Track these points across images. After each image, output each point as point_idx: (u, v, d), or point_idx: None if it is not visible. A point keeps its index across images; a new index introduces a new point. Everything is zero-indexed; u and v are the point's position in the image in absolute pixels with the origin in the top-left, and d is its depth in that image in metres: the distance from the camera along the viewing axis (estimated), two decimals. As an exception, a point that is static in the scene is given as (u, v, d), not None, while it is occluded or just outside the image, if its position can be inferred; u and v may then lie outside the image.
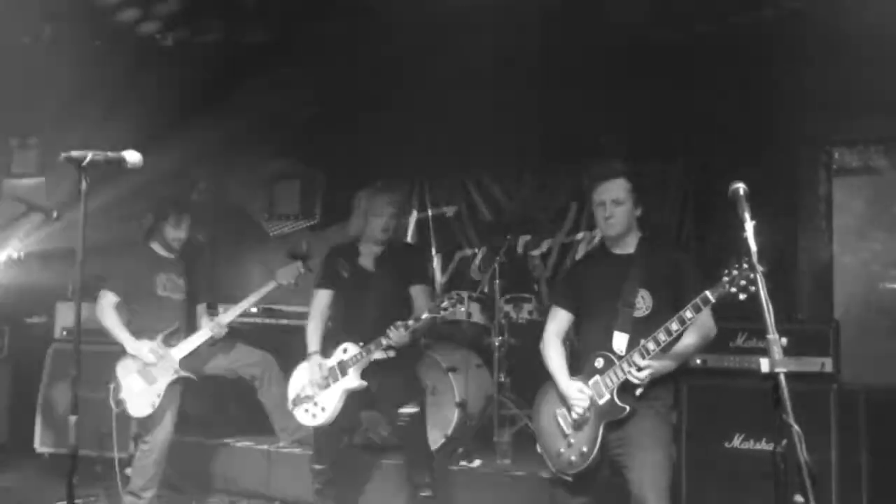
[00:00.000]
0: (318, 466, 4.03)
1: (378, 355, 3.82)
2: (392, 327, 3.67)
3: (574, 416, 3.12)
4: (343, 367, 3.87)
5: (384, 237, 4.04)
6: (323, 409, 3.90)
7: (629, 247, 3.26)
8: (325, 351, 3.97)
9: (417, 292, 4.01)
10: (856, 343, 4.35)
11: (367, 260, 4.09)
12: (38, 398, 5.36)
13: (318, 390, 3.91)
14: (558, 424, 3.19)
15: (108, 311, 4.44)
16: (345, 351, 3.88)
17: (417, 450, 3.99)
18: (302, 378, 4.01)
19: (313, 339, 4.02)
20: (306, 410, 3.94)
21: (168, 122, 5.61)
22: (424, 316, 3.65)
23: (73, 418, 2.54)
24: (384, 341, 3.72)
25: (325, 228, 6.77)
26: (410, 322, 3.68)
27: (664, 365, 3.02)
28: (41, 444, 5.31)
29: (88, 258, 2.57)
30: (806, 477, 1.82)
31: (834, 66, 4.64)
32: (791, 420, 1.95)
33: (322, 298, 4.09)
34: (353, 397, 3.91)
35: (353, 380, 3.85)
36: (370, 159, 6.46)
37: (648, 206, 3.32)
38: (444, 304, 3.63)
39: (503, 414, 4.95)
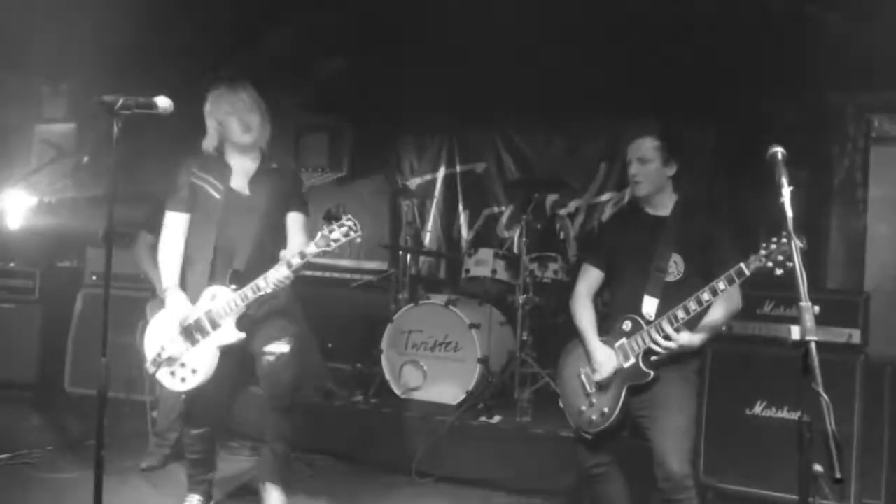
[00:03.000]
0: (195, 431, 3.48)
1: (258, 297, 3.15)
2: (274, 268, 3.05)
3: (598, 378, 3.13)
4: (213, 318, 3.18)
5: (250, 140, 3.32)
6: (194, 372, 3.22)
7: (665, 208, 3.21)
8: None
9: (293, 221, 3.36)
10: (886, 316, 4.29)
11: (239, 179, 3.35)
12: (69, 341, 5.46)
13: (184, 347, 3.22)
14: (581, 383, 3.20)
15: (144, 252, 4.55)
16: (213, 297, 3.20)
17: (280, 395, 3.35)
18: (161, 330, 3.28)
19: (170, 270, 3.27)
20: (172, 374, 3.25)
21: (197, 71, 5.60)
22: (311, 250, 2.96)
23: (103, 360, 2.59)
24: (263, 285, 3.06)
25: (353, 181, 6.78)
26: (294, 259, 3.00)
27: (690, 340, 3.00)
28: (71, 385, 5.44)
29: (119, 203, 2.61)
30: (832, 447, 1.81)
31: (875, 31, 4.50)
32: (820, 389, 1.93)
33: (178, 223, 3.36)
34: (229, 353, 3.26)
35: (228, 333, 3.18)
36: (399, 113, 6.43)
37: (680, 169, 3.25)
38: (336, 234, 2.91)
39: (524, 372, 4.97)
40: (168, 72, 5.16)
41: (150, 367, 3.29)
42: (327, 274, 6.49)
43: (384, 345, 5.21)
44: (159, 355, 3.26)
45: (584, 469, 3.29)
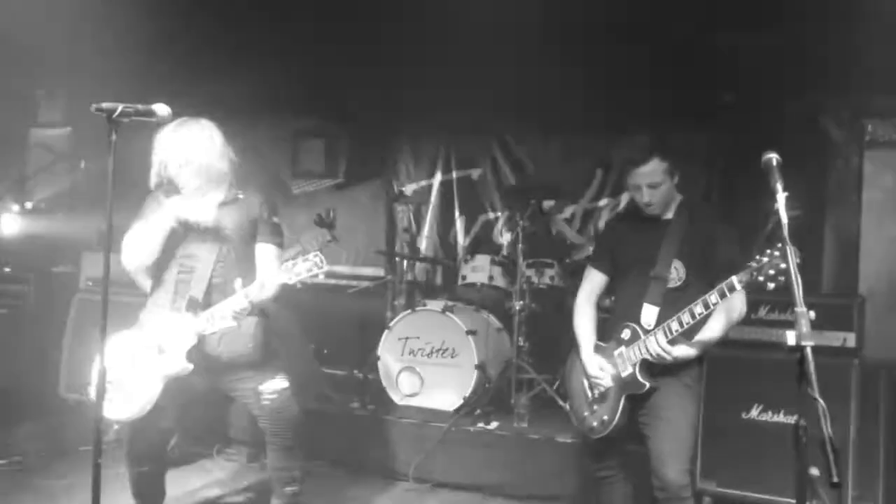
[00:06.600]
0: (139, 469, 3.28)
1: (213, 329, 3.04)
2: (231, 298, 2.98)
3: (595, 392, 3.14)
4: (162, 346, 3.04)
5: (194, 192, 3.14)
6: (132, 399, 3.03)
7: (668, 212, 3.17)
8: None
9: (262, 252, 3.23)
10: (880, 319, 4.31)
11: (204, 209, 3.20)
12: (63, 346, 5.45)
13: (127, 373, 3.05)
14: (584, 389, 3.20)
15: None
16: (167, 324, 3.08)
17: (285, 434, 3.26)
18: (111, 355, 3.00)
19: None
20: (110, 399, 2.99)
21: (192, 77, 5.60)
22: (269, 283, 2.93)
23: (99, 367, 2.58)
24: (218, 315, 2.98)
25: (350, 187, 6.78)
26: (252, 290, 2.93)
27: (686, 353, 2.98)
28: (66, 391, 5.42)
29: (115, 209, 2.60)
30: (829, 451, 1.82)
31: (869, 36, 4.53)
32: (815, 394, 1.94)
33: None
34: (176, 383, 3.07)
35: (175, 362, 3.01)
36: (395, 119, 6.44)
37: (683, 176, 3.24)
38: (298, 268, 2.84)
39: (521, 378, 4.97)
40: (162, 78, 5.16)
41: (91, 392, 2.98)
42: (323, 280, 6.49)
43: (381, 351, 5.21)
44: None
45: (591, 472, 3.31)
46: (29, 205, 6.57)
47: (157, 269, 3.24)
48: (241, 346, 3.18)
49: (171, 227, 3.15)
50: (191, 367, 3.03)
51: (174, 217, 3.13)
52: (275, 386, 3.22)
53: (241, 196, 3.27)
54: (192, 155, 3.10)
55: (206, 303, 3.07)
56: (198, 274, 3.13)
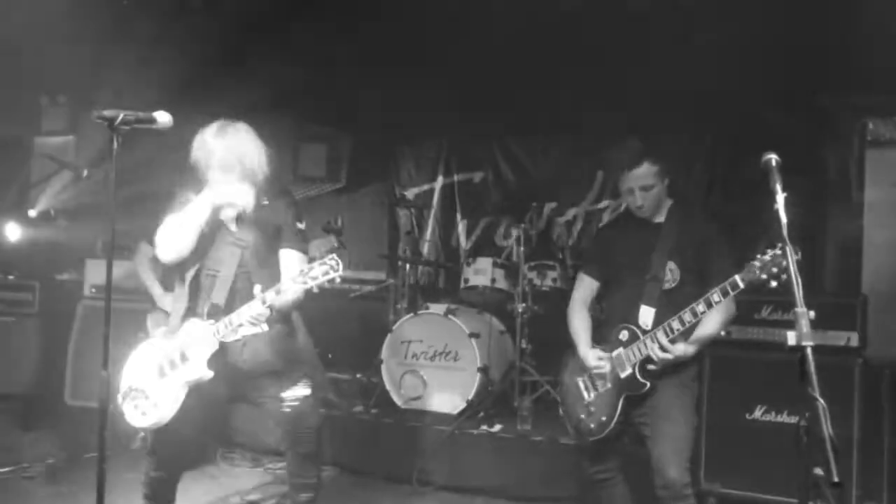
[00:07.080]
0: (153, 473, 3.22)
1: (234, 336, 3.03)
2: (248, 304, 2.92)
3: (597, 381, 3.14)
4: (184, 352, 3.02)
5: (216, 182, 3.06)
6: (156, 406, 3.02)
7: (660, 215, 3.21)
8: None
9: (286, 258, 3.16)
10: (883, 318, 4.30)
11: (229, 212, 3.17)
12: (68, 354, 5.47)
13: (152, 380, 3.05)
14: (580, 392, 3.21)
15: (143, 263, 4.56)
16: (189, 331, 3.06)
17: (305, 441, 3.24)
18: (138, 362, 3.13)
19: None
20: (135, 406, 3.05)
21: (194, 82, 5.61)
22: (285, 287, 2.85)
23: (104, 373, 2.60)
24: (236, 321, 2.94)
25: (351, 192, 6.79)
26: (269, 294, 2.86)
27: (685, 350, 2.99)
28: (71, 397, 5.44)
29: (119, 215, 2.62)
30: (829, 451, 1.82)
31: (871, 36, 4.53)
32: (816, 394, 1.94)
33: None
34: (200, 391, 3.05)
35: (196, 369, 3.00)
36: (396, 123, 6.45)
37: (675, 178, 3.26)
38: (315, 272, 2.78)
39: (524, 380, 4.98)
40: (164, 83, 5.17)
41: (119, 399, 3.09)
42: (326, 284, 6.50)
43: (384, 355, 5.22)
44: (130, 388, 3.08)
45: (588, 475, 3.30)
46: (33, 212, 6.60)
47: (179, 275, 3.19)
48: (264, 353, 3.13)
49: (206, 217, 3.05)
50: (211, 373, 3.00)
51: (211, 204, 3.05)
52: (297, 393, 3.18)
53: (265, 202, 3.19)
54: (240, 158, 3.06)
55: (229, 309, 3.02)
56: (220, 280, 3.09)
